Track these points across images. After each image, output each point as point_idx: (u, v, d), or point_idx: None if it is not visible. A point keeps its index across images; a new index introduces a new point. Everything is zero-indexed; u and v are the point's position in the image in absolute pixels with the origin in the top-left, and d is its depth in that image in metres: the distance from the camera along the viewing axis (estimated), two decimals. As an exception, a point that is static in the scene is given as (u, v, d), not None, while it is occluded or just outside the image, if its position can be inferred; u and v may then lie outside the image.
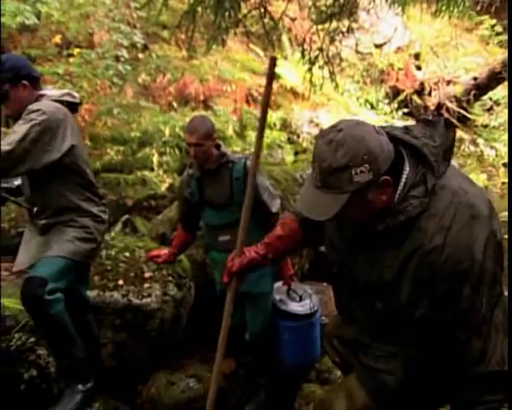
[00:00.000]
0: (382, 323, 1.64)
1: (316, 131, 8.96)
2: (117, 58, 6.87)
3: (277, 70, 9.83)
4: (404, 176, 1.46)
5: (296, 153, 8.57)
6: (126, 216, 5.72)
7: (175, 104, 8.60)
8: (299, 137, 8.83)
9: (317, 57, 4.10)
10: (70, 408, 2.88)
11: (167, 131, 7.38)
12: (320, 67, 4.23)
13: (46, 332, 2.94)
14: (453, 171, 1.52)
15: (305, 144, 8.73)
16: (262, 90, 9.32)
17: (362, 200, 1.43)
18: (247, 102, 9.24)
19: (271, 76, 1.92)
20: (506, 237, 2.13)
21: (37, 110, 2.74)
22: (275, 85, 9.61)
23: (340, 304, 1.86)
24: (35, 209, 2.96)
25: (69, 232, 2.92)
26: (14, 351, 3.13)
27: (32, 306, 2.80)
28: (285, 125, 8.93)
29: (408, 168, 1.47)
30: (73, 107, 3.05)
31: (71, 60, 7.23)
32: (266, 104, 1.90)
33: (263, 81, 9.56)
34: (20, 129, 2.67)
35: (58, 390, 3.08)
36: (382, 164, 1.40)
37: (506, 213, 2.23)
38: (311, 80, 4.24)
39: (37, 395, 3.01)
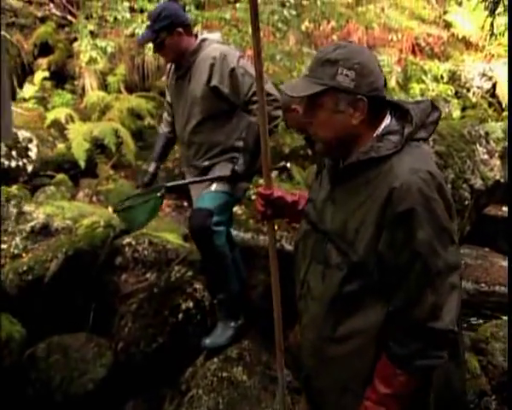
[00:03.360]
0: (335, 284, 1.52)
1: (488, 86, 8.24)
2: (282, 3, 6.81)
3: (450, 17, 9.17)
4: (384, 124, 1.51)
5: (464, 108, 7.98)
6: (283, 163, 5.77)
7: (337, 53, 8.39)
8: (468, 91, 8.18)
9: (502, 1, 3.67)
10: (221, 341, 3.00)
11: (328, 80, 7.23)
12: (505, 10, 3.79)
13: (209, 263, 3.04)
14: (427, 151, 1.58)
15: (474, 99, 8.08)
16: (431, 39, 8.80)
17: (333, 106, 1.48)
18: (413, 52, 8.76)
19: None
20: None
21: (225, 55, 2.86)
22: (445, 34, 8.96)
23: (299, 277, 1.72)
24: (196, 153, 3.08)
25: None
26: (173, 282, 3.34)
27: (199, 235, 2.91)
28: (453, 78, 8.32)
29: (389, 119, 1.52)
30: None
31: (237, 5, 7.33)
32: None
33: (432, 30, 9.03)
34: (242, 79, 2.84)
35: (211, 323, 3.24)
36: (366, 85, 1.45)
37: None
38: (492, 26, 3.82)
39: (192, 326, 3.19)
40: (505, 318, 3.63)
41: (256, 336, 3.20)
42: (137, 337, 3.17)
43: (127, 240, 3.79)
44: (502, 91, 8.10)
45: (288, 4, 6.81)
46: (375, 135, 1.50)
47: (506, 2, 3.67)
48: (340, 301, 1.51)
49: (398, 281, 1.42)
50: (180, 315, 3.15)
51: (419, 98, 1.85)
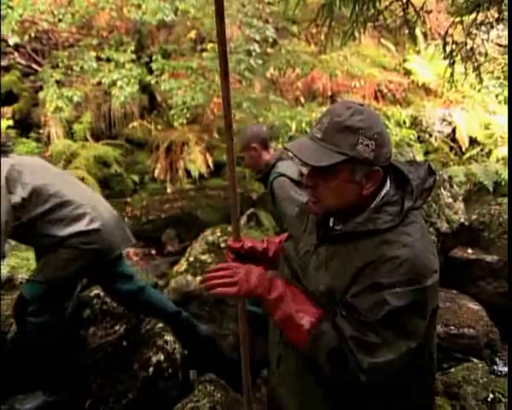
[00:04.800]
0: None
1: (449, 130, 8.49)
2: (248, 53, 6.96)
3: (409, 65, 9.49)
4: (384, 191, 1.46)
5: (427, 152, 8.19)
6: (251, 210, 5.79)
7: (302, 99, 8.57)
8: (430, 135, 8.41)
9: (459, 51, 3.83)
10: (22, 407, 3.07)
11: (294, 126, 7.35)
12: (462, 60, 3.95)
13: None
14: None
15: (436, 144, 8.30)
16: (392, 86, 9.07)
17: (349, 176, 1.40)
18: (376, 98, 8.98)
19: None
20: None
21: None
22: (405, 81, 9.26)
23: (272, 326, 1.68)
24: None
25: None
26: (143, 335, 3.27)
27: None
28: (415, 123, 8.55)
29: (388, 186, 1.47)
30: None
31: (204, 54, 7.45)
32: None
33: (393, 77, 9.32)
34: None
35: (183, 376, 3.16)
36: (383, 155, 1.40)
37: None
38: (452, 75, 3.97)
39: (164, 379, 3.11)
40: (476, 360, 3.67)
41: (227, 388, 3.14)
42: (106, 393, 3.05)
43: (95, 292, 3.70)
44: (461, 136, 8.36)
45: (254, 53, 6.96)
46: (373, 205, 1.45)
47: (459, 57, 3.85)
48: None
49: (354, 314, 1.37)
50: (151, 369, 3.07)
51: (418, 159, 1.86)
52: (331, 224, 1.54)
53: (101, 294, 3.66)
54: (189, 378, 3.15)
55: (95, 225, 3.00)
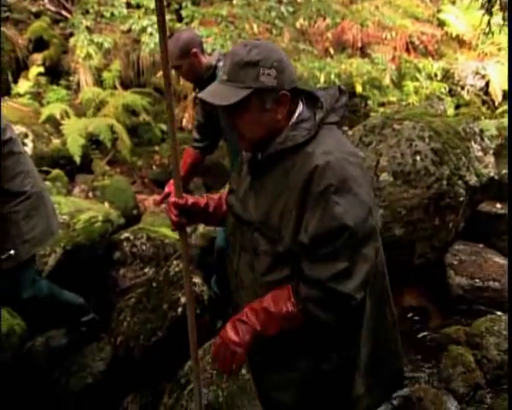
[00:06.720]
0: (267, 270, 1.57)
1: (482, 84, 8.29)
2: (279, 0, 6.84)
3: (443, 16, 9.22)
4: (297, 112, 1.56)
5: (458, 106, 8.02)
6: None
7: (331, 50, 8.41)
8: (462, 89, 8.22)
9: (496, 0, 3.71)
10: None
11: (322, 78, 7.25)
12: (501, 9, 3.82)
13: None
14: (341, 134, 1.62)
15: (468, 97, 8.11)
16: (424, 38, 8.84)
17: (260, 106, 1.49)
18: (407, 50, 8.77)
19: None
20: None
21: None
22: (439, 33, 9.01)
23: (232, 270, 1.76)
24: None
25: None
26: (172, 277, 3.36)
27: None
28: (447, 76, 8.35)
29: (301, 107, 1.58)
30: None
31: (234, 2, 7.34)
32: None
33: (426, 29, 9.07)
34: None
35: (210, 317, 3.26)
36: (287, 79, 1.50)
37: None
38: (489, 24, 3.84)
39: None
40: (499, 313, 3.69)
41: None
42: (136, 332, 3.18)
43: (125, 235, 3.81)
44: (494, 90, 8.16)
45: (284, 0, 6.84)
46: (289, 124, 1.55)
47: (498, 6, 3.72)
48: (267, 288, 1.56)
49: (315, 252, 1.46)
50: (179, 309, 3.16)
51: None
52: (259, 157, 1.62)
53: (131, 237, 3.76)
54: (216, 320, 3.23)
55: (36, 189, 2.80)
